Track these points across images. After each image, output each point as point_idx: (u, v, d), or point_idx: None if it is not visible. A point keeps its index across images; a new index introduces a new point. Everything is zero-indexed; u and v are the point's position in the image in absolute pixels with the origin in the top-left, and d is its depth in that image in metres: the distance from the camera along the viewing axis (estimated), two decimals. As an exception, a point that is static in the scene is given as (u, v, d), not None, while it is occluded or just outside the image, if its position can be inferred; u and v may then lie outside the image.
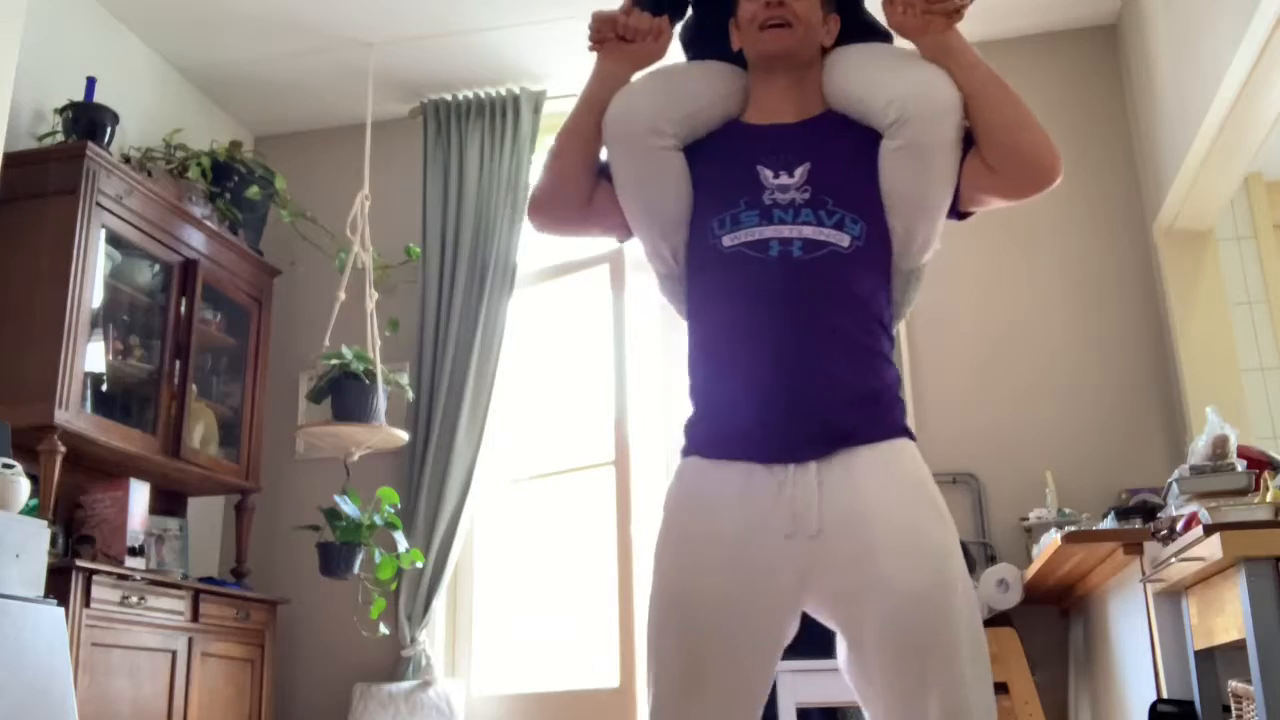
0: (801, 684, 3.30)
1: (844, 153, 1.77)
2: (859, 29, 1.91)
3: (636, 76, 1.90)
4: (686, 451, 1.74)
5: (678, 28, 2.02)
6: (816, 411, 1.64)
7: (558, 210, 1.90)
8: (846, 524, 1.59)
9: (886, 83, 1.75)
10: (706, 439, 1.71)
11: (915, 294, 1.82)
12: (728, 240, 1.72)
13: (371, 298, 4.00)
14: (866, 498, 1.60)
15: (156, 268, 3.89)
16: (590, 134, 1.90)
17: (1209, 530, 2.22)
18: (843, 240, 1.68)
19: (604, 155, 1.89)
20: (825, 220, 1.70)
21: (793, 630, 1.67)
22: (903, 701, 1.55)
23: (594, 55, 2.03)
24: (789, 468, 1.62)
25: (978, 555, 3.88)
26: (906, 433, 1.69)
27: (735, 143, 1.83)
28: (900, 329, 4.07)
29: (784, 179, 1.74)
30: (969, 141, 1.74)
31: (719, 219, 1.74)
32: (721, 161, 1.81)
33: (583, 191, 1.87)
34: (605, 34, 1.91)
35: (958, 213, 1.80)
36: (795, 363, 1.65)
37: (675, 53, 1.98)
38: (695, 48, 2.01)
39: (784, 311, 1.66)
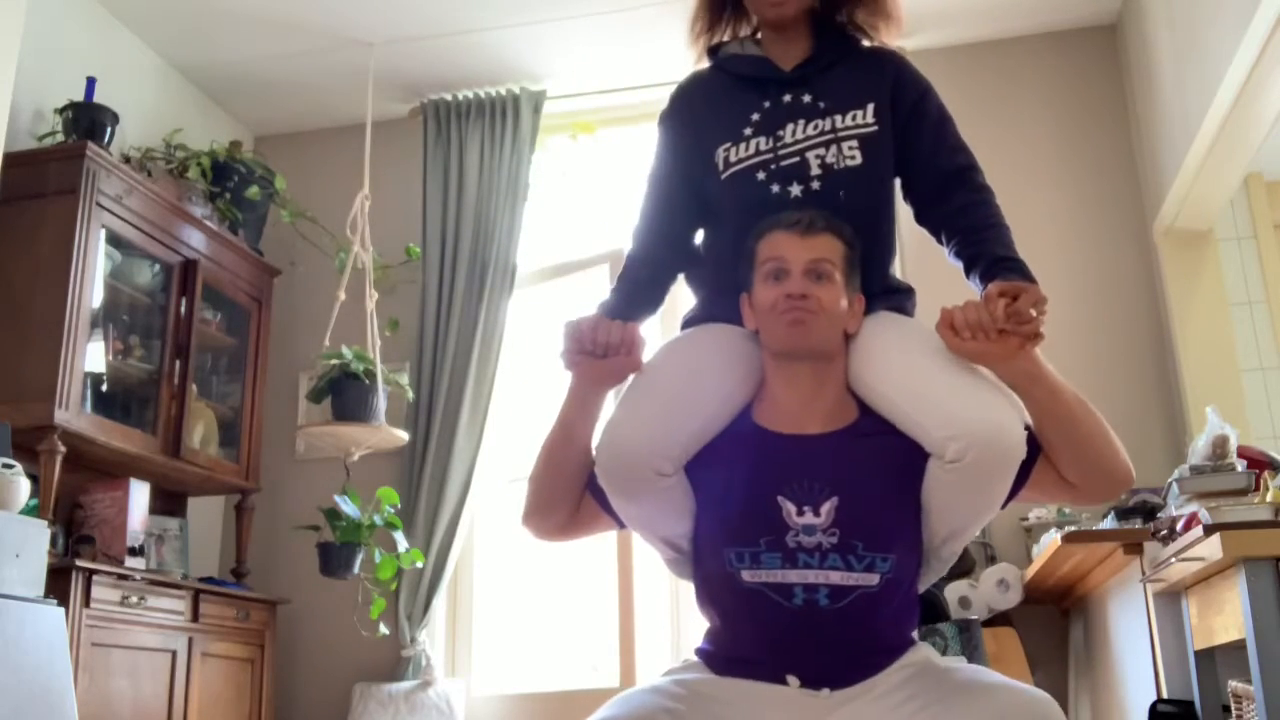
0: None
1: (878, 481, 1.63)
2: (882, 291, 1.80)
3: (629, 397, 1.72)
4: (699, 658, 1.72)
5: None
6: (837, 672, 1.59)
7: (544, 528, 1.82)
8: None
9: (948, 415, 1.57)
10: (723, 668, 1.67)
11: (949, 566, 1.76)
12: (747, 576, 1.59)
13: (371, 298, 4.00)
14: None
15: (156, 268, 3.89)
16: (571, 463, 1.75)
17: (1209, 530, 2.22)
18: (872, 580, 1.57)
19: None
20: (855, 565, 1.57)
21: None
22: None
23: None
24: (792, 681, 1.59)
25: (978, 555, 3.88)
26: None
27: (753, 459, 1.65)
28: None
29: (809, 518, 1.59)
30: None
31: (736, 552, 1.60)
32: (739, 482, 1.64)
33: (567, 513, 1.77)
34: (573, 353, 1.69)
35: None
36: (820, 668, 1.59)
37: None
38: (704, 297, 1.89)
39: (807, 649, 1.58)
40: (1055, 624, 3.88)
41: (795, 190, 1.74)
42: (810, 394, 1.67)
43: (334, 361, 3.79)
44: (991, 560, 3.87)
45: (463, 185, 4.54)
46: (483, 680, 4.27)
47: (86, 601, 3.16)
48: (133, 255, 3.78)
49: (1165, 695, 2.76)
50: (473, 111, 4.61)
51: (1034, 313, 1.58)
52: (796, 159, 1.76)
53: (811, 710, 1.55)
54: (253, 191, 4.26)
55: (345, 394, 3.77)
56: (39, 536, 2.79)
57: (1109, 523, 3.03)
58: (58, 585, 2.99)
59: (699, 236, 1.93)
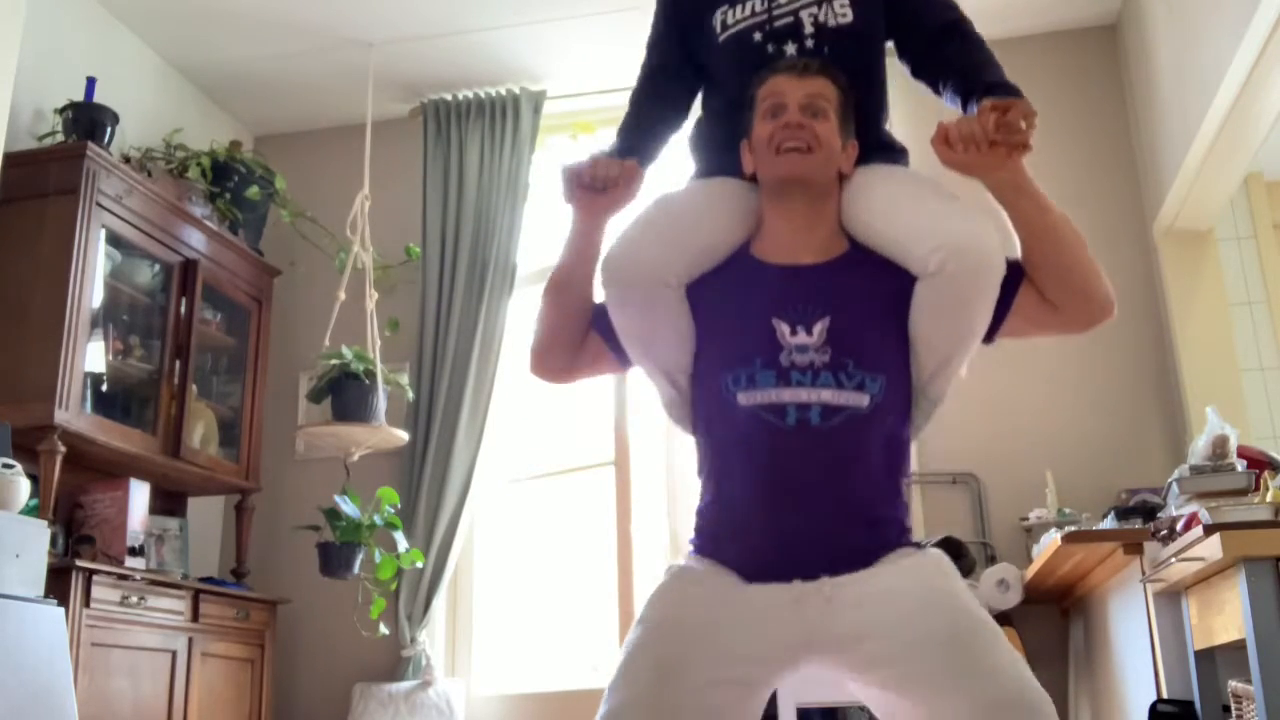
0: (800, 684, 3.30)
1: (868, 304, 1.69)
2: (876, 146, 1.85)
3: (638, 217, 1.80)
4: (693, 552, 1.72)
5: (688, 133, 2.00)
6: (824, 550, 1.62)
7: (551, 364, 1.85)
8: (859, 622, 1.57)
9: (929, 230, 1.65)
10: (714, 550, 1.69)
11: (930, 416, 1.77)
12: (743, 399, 1.64)
13: (371, 298, 4.00)
14: (880, 596, 1.58)
15: (156, 268, 3.89)
16: (574, 298, 1.81)
17: (1209, 530, 2.22)
18: (862, 401, 1.62)
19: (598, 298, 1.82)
20: (845, 383, 1.63)
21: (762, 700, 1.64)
22: (938, 698, 1.49)
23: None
24: (794, 583, 1.60)
25: (978, 555, 3.88)
26: (907, 541, 1.68)
27: (749, 287, 1.73)
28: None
29: (802, 337, 1.65)
30: (1012, 272, 1.68)
31: (733, 375, 1.66)
32: (735, 308, 1.72)
33: (572, 351, 1.83)
34: (574, 188, 1.76)
35: (992, 337, 1.73)
36: (797, 512, 1.63)
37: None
38: (705, 155, 1.95)
39: (801, 475, 1.63)
40: (1055, 624, 3.89)
41: (790, 48, 1.82)
42: (804, 227, 1.74)
43: (334, 361, 3.79)
44: (991, 560, 3.87)
45: (463, 185, 4.54)
46: (483, 680, 4.27)
47: (86, 601, 3.16)
48: (133, 255, 3.78)
49: (1165, 695, 2.76)
50: (473, 111, 4.61)
51: (1023, 124, 1.61)
52: (790, 18, 1.84)
53: (804, 617, 1.59)
54: (253, 191, 4.26)
55: (345, 394, 3.77)
56: (39, 536, 2.79)
57: (1109, 523, 3.03)
58: (58, 585, 2.99)
59: (696, 103, 2.02)
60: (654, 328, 1.74)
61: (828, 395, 1.62)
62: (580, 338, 1.82)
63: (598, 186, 1.75)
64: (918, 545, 1.70)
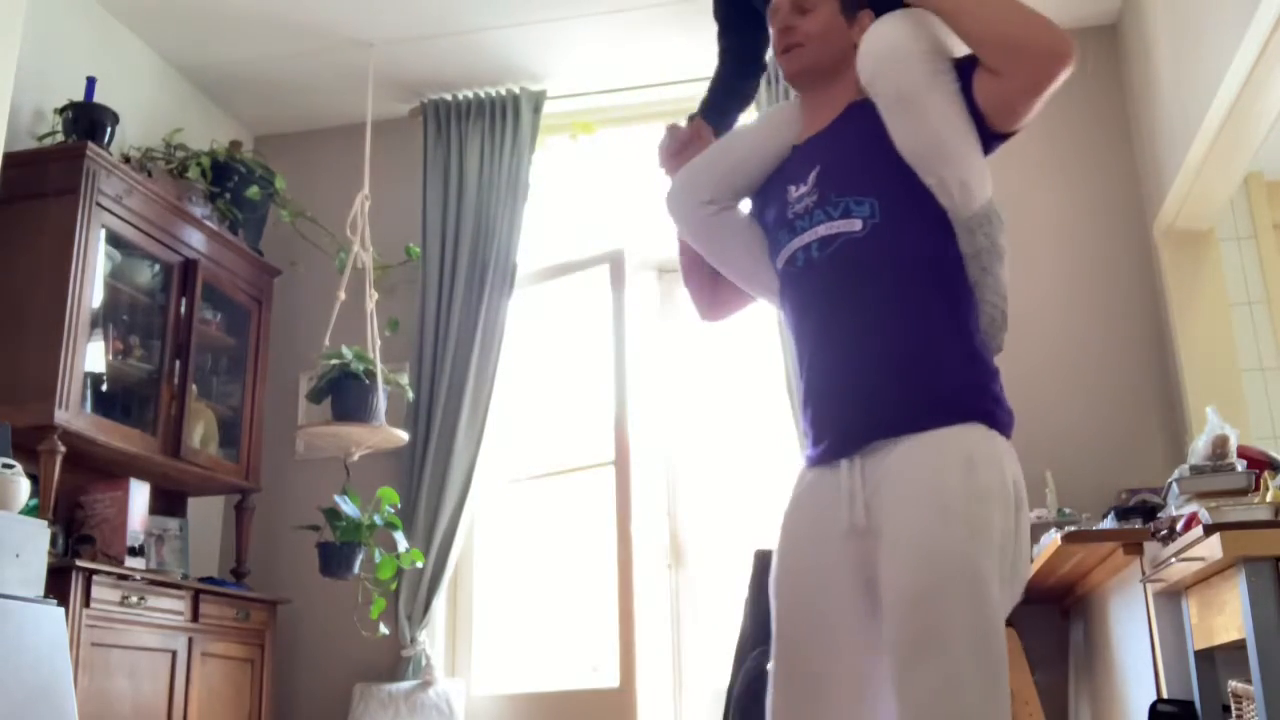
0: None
1: (854, 140, 1.77)
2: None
3: None
4: None
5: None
6: (860, 404, 1.64)
7: (700, 308, 2.09)
8: (882, 521, 1.59)
9: (862, 51, 1.79)
10: (805, 447, 1.80)
11: (994, 239, 1.70)
12: (780, 265, 1.83)
13: (371, 298, 4.00)
14: (892, 495, 1.58)
15: (156, 268, 3.89)
16: (688, 252, 2.04)
17: (1209, 530, 2.22)
18: (854, 225, 1.69)
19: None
20: (832, 213, 1.72)
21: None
22: (897, 668, 1.51)
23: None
24: (841, 465, 1.65)
25: (978, 555, 3.87)
26: (969, 415, 1.60)
27: (778, 172, 1.89)
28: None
29: (799, 189, 1.79)
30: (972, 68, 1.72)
31: (775, 250, 1.85)
32: (769, 195, 1.90)
33: (705, 289, 2.06)
34: (664, 160, 2.07)
35: (1000, 136, 1.77)
36: (837, 361, 1.68)
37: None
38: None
39: (820, 315, 1.72)
40: (1055, 624, 3.88)
41: None
42: (822, 104, 1.87)
43: (334, 361, 3.79)
44: (991, 560, 3.86)
45: (463, 185, 4.54)
46: (483, 680, 4.27)
47: (86, 601, 3.16)
48: (133, 255, 3.78)
49: (1165, 695, 2.76)
50: (473, 111, 4.61)
51: None
52: None
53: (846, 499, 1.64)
54: (253, 191, 4.26)
55: (345, 394, 3.77)
56: (39, 536, 2.79)
57: (1109, 523, 3.03)
58: (58, 585, 2.99)
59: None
60: (719, 245, 1.92)
61: (821, 229, 1.73)
62: (708, 281, 2.04)
63: (675, 149, 2.04)
64: (987, 413, 1.62)
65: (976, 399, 1.64)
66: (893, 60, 1.70)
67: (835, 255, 1.70)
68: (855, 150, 1.76)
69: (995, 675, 1.51)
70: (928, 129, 1.69)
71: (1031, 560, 3.51)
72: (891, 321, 1.65)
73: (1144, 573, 2.80)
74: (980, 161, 1.73)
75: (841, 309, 1.69)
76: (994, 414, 1.64)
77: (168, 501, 4.04)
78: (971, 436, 1.61)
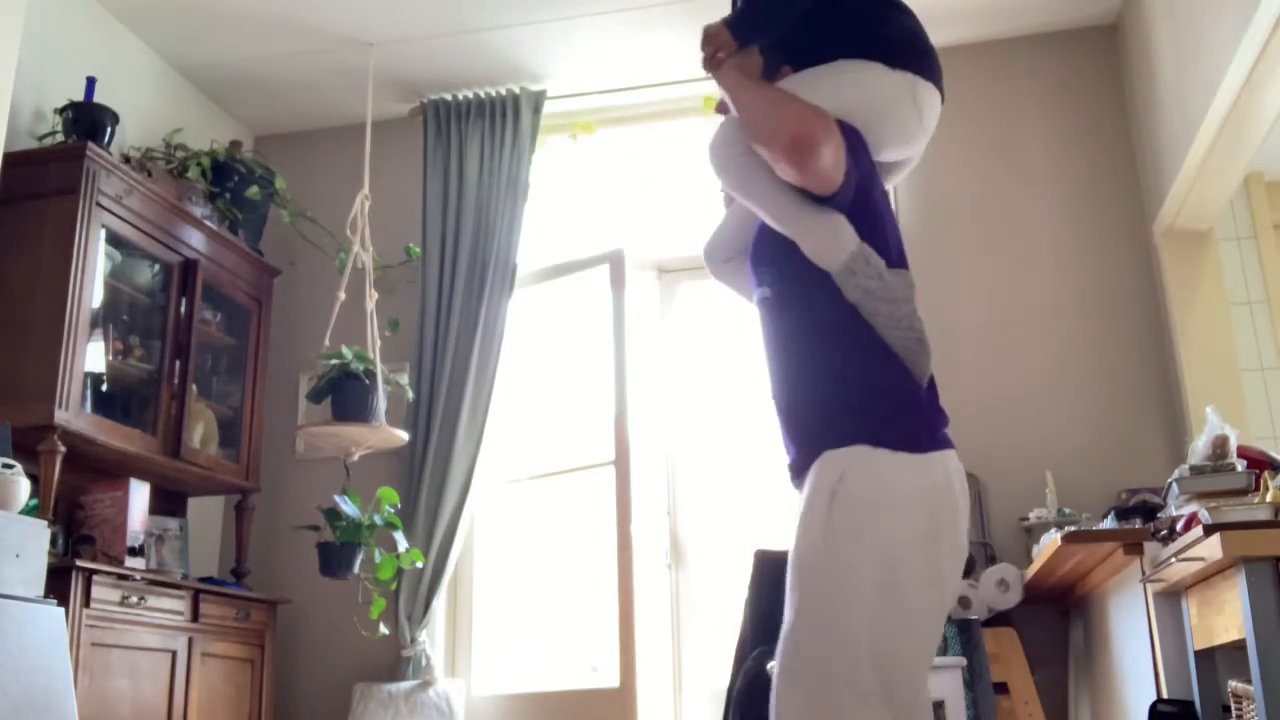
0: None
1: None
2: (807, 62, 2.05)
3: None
4: None
5: None
6: (786, 444, 1.90)
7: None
8: None
9: None
10: None
11: (869, 285, 1.78)
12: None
13: (371, 298, 4.00)
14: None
15: (156, 268, 3.89)
16: None
17: (1209, 530, 2.22)
18: (767, 292, 1.91)
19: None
20: (759, 279, 1.94)
21: None
22: None
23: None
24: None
25: (978, 555, 3.88)
26: (846, 440, 1.74)
27: None
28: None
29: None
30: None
31: None
32: None
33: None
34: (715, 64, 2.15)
35: (829, 200, 1.81)
36: (774, 404, 1.92)
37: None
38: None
39: (765, 359, 1.95)
40: (1055, 624, 3.88)
41: None
42: None
43: (334, 361, 3.79)
44: (991, 560, 3.87)
45: (463, 185, 4.54)
46: (482, 680, 4.27)
47: (86, 601, 3.16)
48: (133, 255, 3.78)
49: (1165, 695, 2.76)
50: (473, 111, 4.61)
51: (704, 50, 1.96)
52: None
53: None
54: (253, 191, 4.26)
55: (345, 394, 3.77)
56: (39, 536, 2.79)
57: (1109, 523, 3.03)
58: (58, 585, 2.99)
59: None
60: (744, 286, 2.08)
61: (756, 291, 1.95)
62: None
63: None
64: (870, 434, 1.74)
65: (854, 424, 1.75)
66: (716, 160, 1.91)
67: (762, 314, 1.93)
68: (763, 224, 1.94)
69: (830, 676, 1.63)
70: (764, 211, 1.88)
71: (1031, 560, 3.52)
72: (790, 373, 1.86)
73: (1144, 573, 2.80)
74: (826, 224, 1.80)
75: (769, 360, 1.92)
76: (879, 433, 1.73)
77: (168, 501, 4.04)
78: (850, 457, 1.73)
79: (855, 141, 1.84)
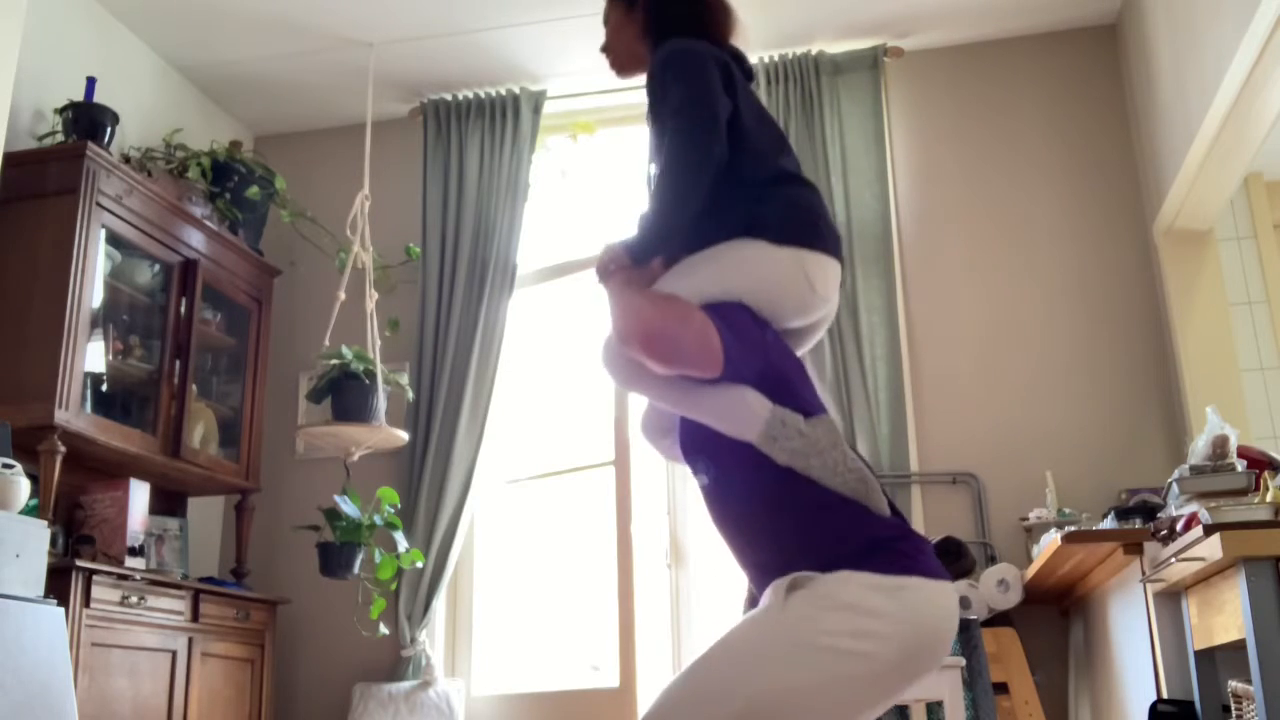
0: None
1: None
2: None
3: None
4: None
5: None
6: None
7: None
8: None
9: None
10: None
11: (794, 444, 1.77)
12: None
13: (371, 298, 4.00)
14: None
15: (156, 268, 3.89)
16: None
17: (1209, 530, 2.22)
18: (703, 479, 1.89)
19: None
20: (693, 468, 1.92)
21: None
22: None
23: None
24: None
25: (978, 555, 3.88)
26: (793, 567, 1.72)
27: None
28: (900, 328, 4.08)
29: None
30: None
31: None
32: None
33: None
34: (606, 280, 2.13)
35: (722, 379, 1.82)
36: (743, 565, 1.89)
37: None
38: None
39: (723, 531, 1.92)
40: (1055, 624, 3.89)
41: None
42: None
43: (334, 361, 3.79)
44: (991, 560, 3.87)
45: (463, 185, 4.54)
46: (483, 680, 4.27)
47: (86, 601, 3.16)
48: (133, 255, 3.78)
49: (1165, 695, 2.76)
50: (473, 111, 4.61)
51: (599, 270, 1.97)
52: None
53: None
54: (253, 191, 4.26)
55: (345, 394, 3.77)
56: (39, 536, 2.79)
57: (1109, 523, 3.03)
58: (58, 585, 3.00)
59: None
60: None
61: (693, 480, 1.93)
62: None
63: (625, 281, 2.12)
64: (825, 564, 1.70)
65: (830, 563, 1.71)
66: (607, 368, 1.91)
67: (706, 500, 1.89)
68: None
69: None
70: (666, 404, 1.88)
71: (1031, 560, 3.52)
72: (752, 547, 1.83)
73: (1144, 573, 2.80)
74: (730, 400, 1.80)
75: (728, 539, 1.88)
76: (859, 563, 1.69)
77: (168, 501, 4.04)
78: (803, 577, 1.72)
79: (738, 317, 1.82)
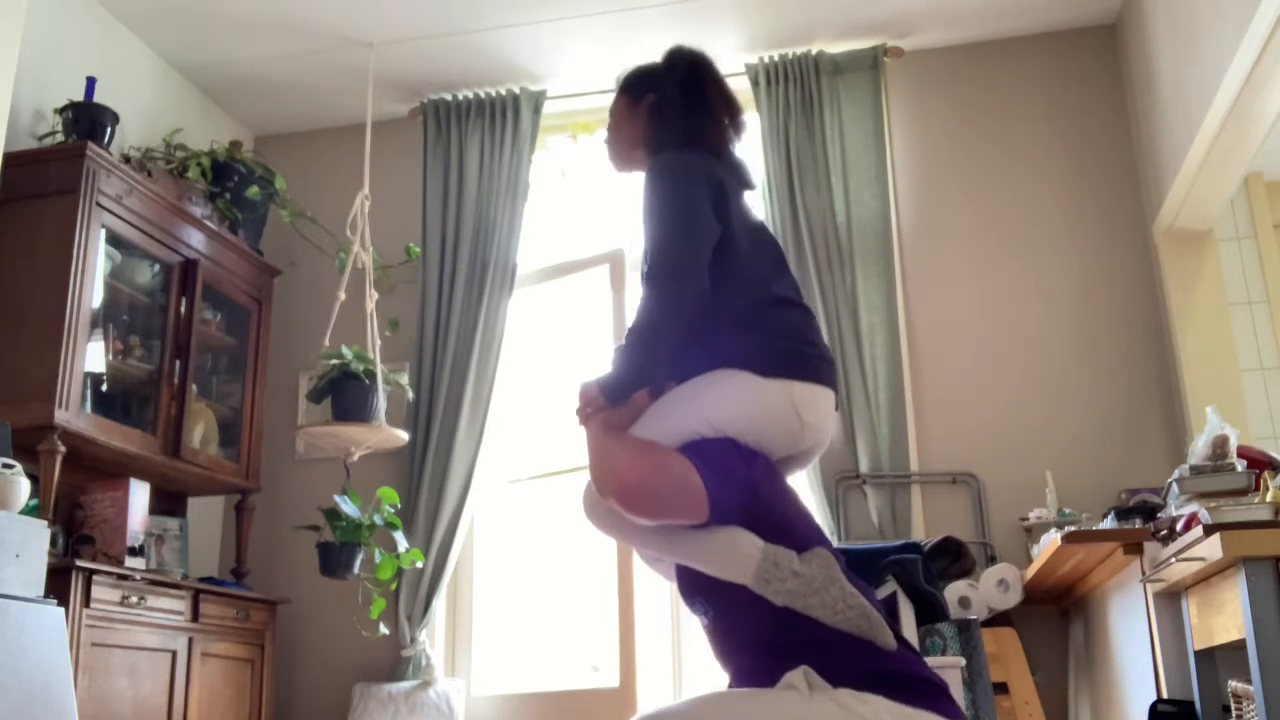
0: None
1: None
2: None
3: None
4: None
5: None
6: None
7: None
8: None
9: None
10: None
11: (788, 583, 1.75)
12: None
13: (371, 298, 4.00)
14: None
15: (156, 268, 3.89)
16: None
17: (1209, 530, 2.22)
18: (704, 620, 1.90)
19: None
20: (692, 608, 1.94)
21: None
22: None
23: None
24: None
25: (978, 555, 3.88)
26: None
27: None
28: (900, 328, 4.09)
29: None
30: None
31: None
32: None
33: None
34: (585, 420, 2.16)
35: (709, 523, 1.81)
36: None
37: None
38: None
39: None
40: (1055, 624, 3.89)
41: None
42: None
43: (334, 361, 3.79)
44: (991, 560, 3.87)
45: (463, 185, 4.54)
46: (483, 680, 4.27)
47: (86, 601, 3.16)
48: (133, 255, 3.78)
49: (1165, 695, 2.76)
50: (473, 111, 4.61)
51: (577, 409, 2.01)
52: None
53: None
54: (253, 191, 4.26)
55: (345, 394, 3.77)
56: (39, 536, 2.79)
57: (1109, 523, 3.03)
58: (58, 585, 3.00)
59: None
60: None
61: (700, 623, 1.93)
62: None
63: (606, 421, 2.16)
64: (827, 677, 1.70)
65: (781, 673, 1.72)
66: (590, 519, 1.98)
67: (706, 637, 1.93)
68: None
69: None
70: (656, 552, 1.88)
71: (1031, 560, 3.52)
72: (754, 679, 1.80)
73: (1144, 573, 2.80)
74: (720, 544, 1.78)
75: (724, 670, 1.92)
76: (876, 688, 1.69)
77: (168, 501, 4.04)
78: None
79: (722, 456, 1.78)
